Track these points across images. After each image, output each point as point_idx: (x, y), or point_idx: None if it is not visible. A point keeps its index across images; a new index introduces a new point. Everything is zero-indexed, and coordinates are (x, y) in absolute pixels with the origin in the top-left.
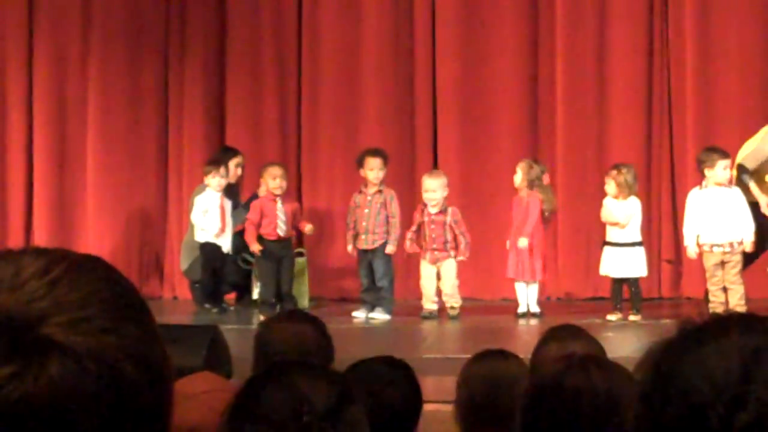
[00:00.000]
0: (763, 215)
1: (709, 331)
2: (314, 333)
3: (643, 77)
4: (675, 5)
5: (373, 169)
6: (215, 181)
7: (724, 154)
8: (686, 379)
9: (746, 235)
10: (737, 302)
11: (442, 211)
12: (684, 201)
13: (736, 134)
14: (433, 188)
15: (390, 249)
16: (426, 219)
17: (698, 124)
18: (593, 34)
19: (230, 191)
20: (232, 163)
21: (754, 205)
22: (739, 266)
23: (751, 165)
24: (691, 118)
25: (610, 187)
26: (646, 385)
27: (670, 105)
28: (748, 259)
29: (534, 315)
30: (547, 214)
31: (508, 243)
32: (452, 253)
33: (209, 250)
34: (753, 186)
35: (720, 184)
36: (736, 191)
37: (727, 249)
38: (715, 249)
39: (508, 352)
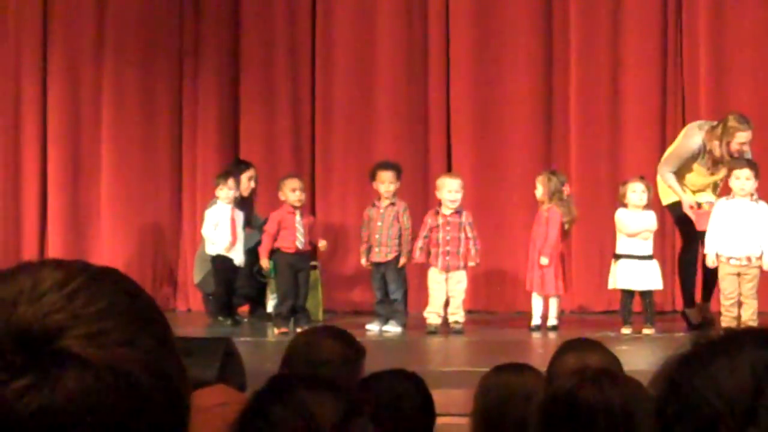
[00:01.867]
0: (685, 213)
1: (723, 345)
2: (343, 348)
3: (657, 90)
4: (689, 19)
5: (384, 182)
6: (224, 193)
7: (739, 164)
8: (698, 393)
9: (766, 251)
10: (750, 317)
11: (458, 213)
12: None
13: (750, 146)
14: (456, 188)
15: (402, 261)
16: (440, 222)
17: None
18: (607, 46)
19: (244, 204)
20: (244, 176)
21: (677, 204)
22: (755, 281)
23: (671, 167)
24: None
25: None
26: (661, 399)
27: (683, 118)
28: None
29: (552, 328)
30: (567, 227)
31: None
32: (462, 263)
33: (221, 262)
34: (674, 183)
35: (740, 196)
36: (763, 205)
37: (744, 262)
38: (732, 261)
39: (525, 365)
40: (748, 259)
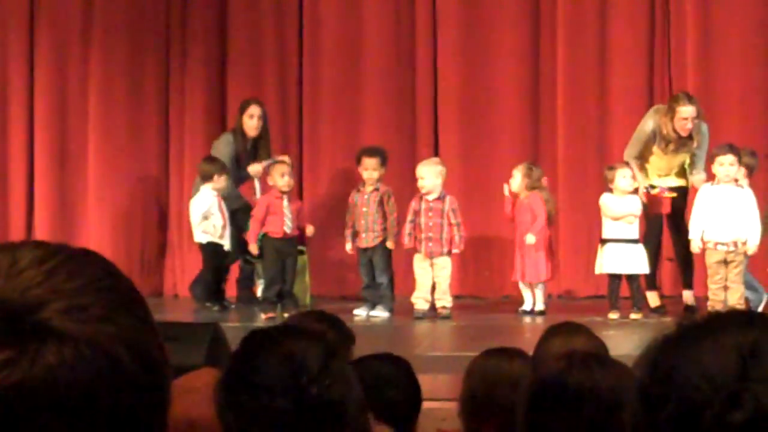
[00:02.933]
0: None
1: (707, 327)
2: (333, 334)
3: (644, 78)
4: (676, 5)
5: (368, 169)
6: (215, 185)
7: (723, 151)
8: (683, 375)
9: (751, 236)
10: (737, 301)
11: (440, 199)
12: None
13: (738, 135)
14: (421, 175)
15: (390, 244)
16: (423, 207)
17: None
18: (594, 33)
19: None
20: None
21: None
22: (741, 266)
23: (633, 151)
24: None
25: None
26: (644, 381)
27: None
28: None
29: (539, 313)
30: (550, 214)
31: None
32: (446, 249)
33: (212, 249)
34: (634, 167)
35: (725, 182)
36: (748, 191)
37: (731, 248)
38: (719, 247)
39: (515, 349)
40: (735, 244)
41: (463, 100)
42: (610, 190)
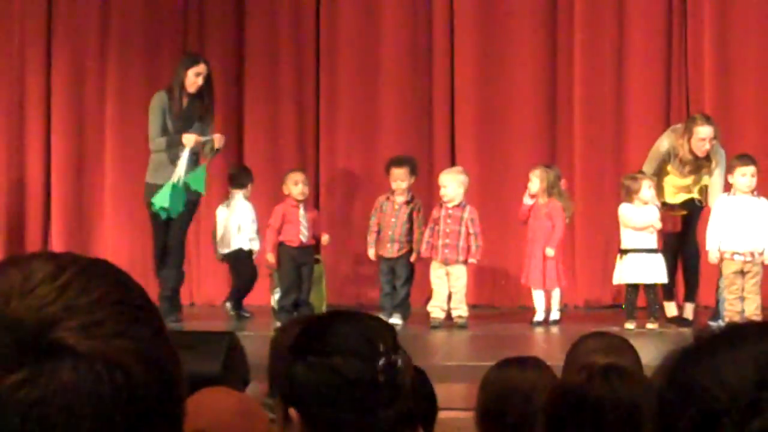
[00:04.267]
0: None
1: (725, 338)
2: None
3: (661, 83)
4: (694, 12)
5: (396, 180)
6: (244, 193)
7: (745, 161)
8: (702, 385)
9: None
10: (753, 312)
11: (460, 206)
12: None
13: (754, 142)
14: (444, 183)
15: (414, 257)
16: (443, 214)
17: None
18: (611, 40)
19: None
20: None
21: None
22: (758, 276)
23: (649, 169)
24: None
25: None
26: (663, 391)
27: (688, 112)
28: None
29: (554, 322)
30: (567, 221)
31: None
32: (462, 257)
33: (248, 257)
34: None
35: (744, 192)
36: (764, 201)
37: (748, 258)
38: (735, 257)
39: (530, 359)
40: (752, 254)
41: (480, 107)
42: (630, 200)
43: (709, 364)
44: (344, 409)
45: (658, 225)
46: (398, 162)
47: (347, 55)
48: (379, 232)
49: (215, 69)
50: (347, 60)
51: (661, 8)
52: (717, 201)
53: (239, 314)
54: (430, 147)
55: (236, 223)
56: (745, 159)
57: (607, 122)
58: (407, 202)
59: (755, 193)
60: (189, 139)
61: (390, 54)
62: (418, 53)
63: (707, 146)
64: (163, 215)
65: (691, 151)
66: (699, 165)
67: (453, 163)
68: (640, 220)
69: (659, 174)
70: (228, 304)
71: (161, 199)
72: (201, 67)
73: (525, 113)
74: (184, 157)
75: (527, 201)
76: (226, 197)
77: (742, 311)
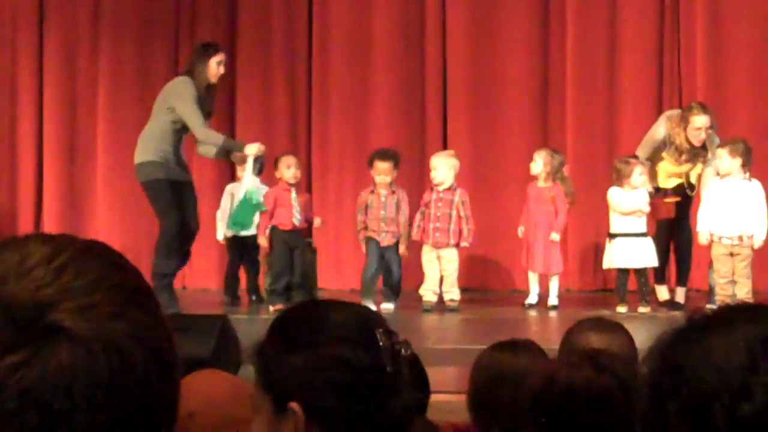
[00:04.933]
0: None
1: (717, 321)
2: None
3: (653, 68)
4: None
5: (381, 174)
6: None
7: (726, 144)
8: (693, 369)
9: (758, 231)
10: (744, 295)
11: (451, 190)
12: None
13: (746, 127)
14: (435, 166)
15: (402, 249)
16: (434, 197)
17: None
18: (604, 26)
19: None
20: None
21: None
22: (748, 260)
23: (643, 154)
24: None
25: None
26: (654, 374)
27: (680, 98)
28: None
29: (552, 307)
30: (568, 206)
31: (520, 231)
32: (453, 241)
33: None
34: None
35: (728, 175)
36: (756, 185)
37: (736, 242)
38: (724, 240)
39: (523, 342)
40: (740, 238)
41: (472, 92)
42: (620, 184)
43: (701, 347)
44: (353, 401)
45: (646, 209)
46: (383, 156)
47: (339, 40)
48: (366, 228)
49: None
50: (339, 45)
51: None
52: (709, 184)
53: (233, 298)
54: (422, 132)
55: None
56: (729, 142)
57: (600, 107)
58: (393, 192)
59: (747, 176)
60: (252, 148)
61: (382, 40)
62: (410, 39)
63: (703, 135)
64: (238, 230)
65: (687, 140)
66: (695, 154)
67: (445, 148)
68: (628, 204)
69: (653, 159)
70: (253, 296)
71: (242, 217)
72: (222, 56)
73: (517, 98)
74: (249, 167)
75: (520, 235)
76: (216, 183)
77: (734, 295)
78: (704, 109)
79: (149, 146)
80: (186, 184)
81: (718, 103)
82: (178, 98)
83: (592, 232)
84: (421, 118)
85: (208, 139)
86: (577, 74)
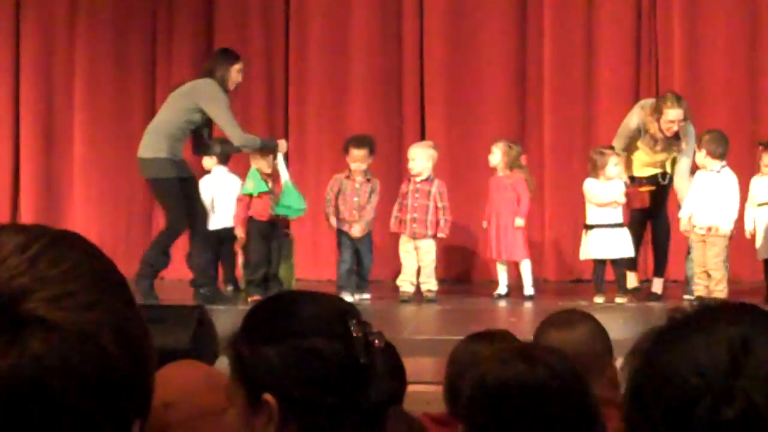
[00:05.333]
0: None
1: (698, 321)
2: None
3: (630, 60)
4: None
5: (356, 161)
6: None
7: (701, 138)
8: (675, 370)
9: (722, 222)
10: (715, 287)
11: (428, 180)
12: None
13: (724, 117)
14: (413, 156)
15: (356, 232)
16: (411, 188)
17: None
18: (581, 16)
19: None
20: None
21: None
22: (716, 249)
23: (619, 144)
24: None
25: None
26: (635, 375)
27: (657, 88)
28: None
29: (528, 297)
30: (530, 194)
31: (485, 223)
32: (430, 232)
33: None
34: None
35: (703, 167)
36: (725, 177)
37: (704, 232)
38: (696, 230)
39: (499, 333)
40: (708, 229)
41: (450, 82)
42: (595, 175)
43: (683, 348)
44: (328, 393)
45: (622, 200)
46: (358, 143)
47: (317, 28)
48: (338, 211)
49: (184, 45)
50: (317, 33)
51: None
52: (695, 175)
53: (237, 288)
54: (399, 122)
55: (227, 197)
56: (705, 135)
57: (577, 97)
58: (367, 180)
59: (719, 167)
60: (284, 145)
61: (360, 28)
62: (387, 27)
63: (675, 128)
64: (292, 215)
65: (660, 130)
66: (670, 143)
67: (422, 138)
68: (603, 195)
69: (629, 148)
70: (230, 287)
71: (296, 202)
72: (242, 64)
73: (495, 88)
74: (282, 162)
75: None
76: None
77: (708, 285)
78: (678, 102)
79: (162, 143)
80: (191, 179)
81: (695, 95)
82: (212, 103)
83: (569, 222)
84: (398, 108)
85: (248, 144)
86: (554, 66)
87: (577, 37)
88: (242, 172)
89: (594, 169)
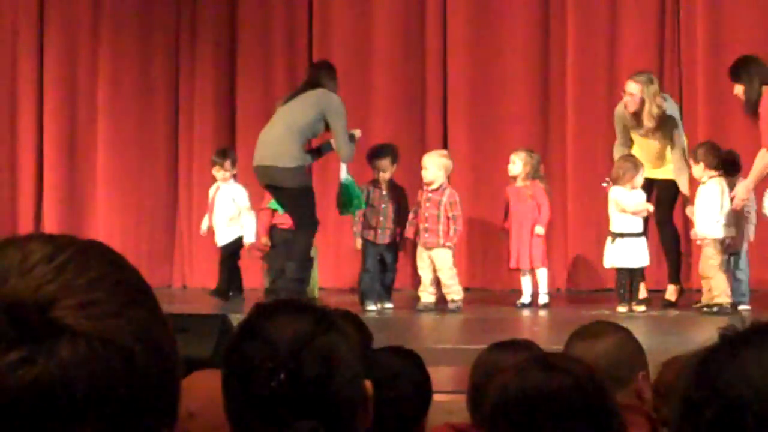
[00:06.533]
0: None
1: (750, 338)
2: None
3: (654, 66)
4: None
5: (380, 170)
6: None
7: (695, 152)
8: (726, 381)
9: (704, 229)
10: (706, 294)
11: (440, 190)
12: (694, 194)
13: (746, 129)
14: (425, 165)
15: (401, 246)
16: (424, 197)
17: (708, 119)
18: (604, 27)
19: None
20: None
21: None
22: (707, 254)
23: (619, 140)
24: (702, 113)
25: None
26: (687, 389)
27: (681, 98)
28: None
29: (543, 306)
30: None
31: (505, 233)
32: (442, 240)
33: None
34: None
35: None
36: (710, 188)
37: (699, 241)
38: (698, 241)
39: (522, 342)
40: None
41: (473, 93)
42: (621, 183)
43: (734, 362)
44: (262, 420)
45: (651, 208)
46: (379, 153)
47: (340, 39)
48: (365, 219)
49: (208, 54)
50: (340, 44)
51: None
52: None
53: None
54: (422, 132)
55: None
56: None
57: (600, 106)
58: (394, 188)
59: (707, 178)
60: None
61: (382, 39)
62: (410, 38)
63: (629, 100)
64: (354, 214)
65: (625, 107)
66: (636, 123)
67: (446, 148)
68: (632, 203)
69: (627, 144)
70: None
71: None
72: None
73: (518, 96)
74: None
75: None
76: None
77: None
78: (638, 76)
79: (297, 152)
80: None
81: (718, 96)
82: (338, 117)
83: (593, 230)
84: (422, 119)
85: (351, 157)
86: (577, 75)
87: (599, 47)
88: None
89: (620, 178)
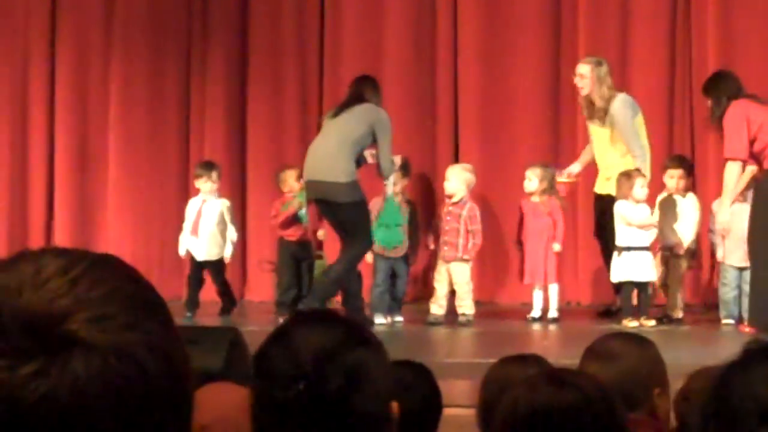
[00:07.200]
0: None
1: (762, 356)
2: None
3: (664, 85)
4: (698, 12)
5: (390, 183)
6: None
7: (671, 164)
8: (736, 394)
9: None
10: (670, 306)
11: (461, 204)
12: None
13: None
14: (448, 177)
15: (412, 260)
16: (444, 211)
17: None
18: (615, 39)
19: None
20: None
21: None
22: (671, 268)
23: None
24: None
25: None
26: (706, 399)
27: (691, 111)
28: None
29: (553, 320)
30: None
31: (519, 247)
32: (460, 254)
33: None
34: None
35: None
36: (688, 201)
37: (667, 252)
38: (662, 252)
39: (532, 357)
40: (670, 249)
41: (484, 105)
42: (624, 197)
43: (746, 377)
44: (281, 427)
45: (656, 222)
46: None
47: (351, 51)
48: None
49: (219, 65)
50: (351, 56)
51: (665, 6)
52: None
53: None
54: (433, 145)
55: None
56: (673, 161)
57: None
58: (406, 202)
59: (685, 192)
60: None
61: (393, 51)
62: (421, 50)
63: (578, 81)
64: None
65: (585, 98)
66: (591, 111)
67: (456, 159)
68: (637, 217)
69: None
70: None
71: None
72: None
73: (529, 112)
74: (391, 180)
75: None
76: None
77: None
78: (590, 59)
79: (350, 166)
80: None
81: None
82: (386, 133)
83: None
84: (432, 131)
85: (391, 173)
86: None
87: (610, 60)
88: (265, 197)
89: (621, 191)
